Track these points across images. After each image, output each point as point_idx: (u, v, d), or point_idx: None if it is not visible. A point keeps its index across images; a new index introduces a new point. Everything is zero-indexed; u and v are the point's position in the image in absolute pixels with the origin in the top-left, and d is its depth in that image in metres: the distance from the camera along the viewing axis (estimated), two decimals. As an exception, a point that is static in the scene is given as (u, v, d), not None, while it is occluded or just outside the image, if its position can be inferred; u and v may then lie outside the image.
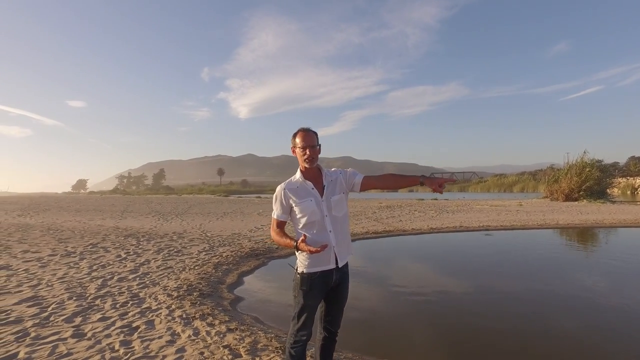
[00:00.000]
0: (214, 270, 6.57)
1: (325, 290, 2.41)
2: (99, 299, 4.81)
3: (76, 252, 8.08)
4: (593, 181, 28.06)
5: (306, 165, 2.38)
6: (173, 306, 4.57)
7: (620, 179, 55.77)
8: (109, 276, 6.01)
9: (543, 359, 3.52)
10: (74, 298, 4.84)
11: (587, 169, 28.35)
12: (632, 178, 61.02)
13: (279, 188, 2.44)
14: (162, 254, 7.97)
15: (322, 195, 2.40)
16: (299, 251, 2.31)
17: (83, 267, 6.61)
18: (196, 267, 6.72)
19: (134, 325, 3.95)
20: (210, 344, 3.51)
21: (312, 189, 2.40)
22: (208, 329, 3.88)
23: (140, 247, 8.81)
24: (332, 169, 2.53)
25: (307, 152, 2.35)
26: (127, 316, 4.21)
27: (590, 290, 5.79)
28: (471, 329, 4.25)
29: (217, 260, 7.33)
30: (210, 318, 4.21)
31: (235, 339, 3.63)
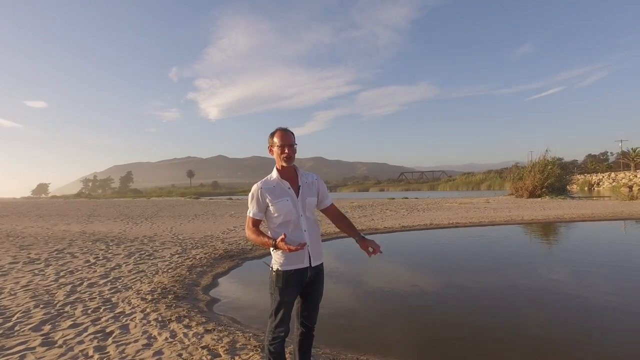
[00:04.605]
0: (188, 273, 6.49)
1: (301, 286, 2.46)
2: (69, 306, 4.67)
3: (40, 258, 7.78)
4: (554, 178, 29.41)
5: (284, 164, 2.43)
6: (148, 310, 4.50)
7: (578, 176, 58.74)
8: (78, 282, 5.83)
9: (512, 352, 3.71)
10: (41, 306, 4.67)
11: (549, 167, 29.69)
12: (589, 175, 64.50)
13: (255, 187, 2.47)
14: (133, 258, 7.79)
15: (297, 195, 2.45)
16: (277, 250, 2.36)
17: (49, 274, 6.38)
18: (169, 270, 6.62)
19: (108, 330, 3.87)
20: (188, 345, 3.50)
21: (289, 188, 2.45)
22: (185, 330, 3.85)
23: (109, 251, 8.57)
24: (307, 172, 2.60)
25: (286, 151, 2.40)
26: (99, 321, 4.12)
27: (556, 284, 6.10)
28: (444, 324, 4.41)
29: (190, 263, 7.24)
30: (187, 320, 4.18)
31: (214, 339, 3.62)
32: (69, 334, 3.77)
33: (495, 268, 7.14)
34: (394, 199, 32.98)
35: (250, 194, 2.47)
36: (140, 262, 7.38)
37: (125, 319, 4.22)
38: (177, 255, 8.00)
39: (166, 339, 3.64)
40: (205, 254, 8.18)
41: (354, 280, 6.39)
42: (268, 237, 2.38)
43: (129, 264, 7.14)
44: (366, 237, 2.50)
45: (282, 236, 2.27)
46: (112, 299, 4.99)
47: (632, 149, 64.55)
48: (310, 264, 2.44)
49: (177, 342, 3.57)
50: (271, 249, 2.40)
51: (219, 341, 3.58)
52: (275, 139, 2.43)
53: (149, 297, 5.01)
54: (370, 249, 2.46)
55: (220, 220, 16.68)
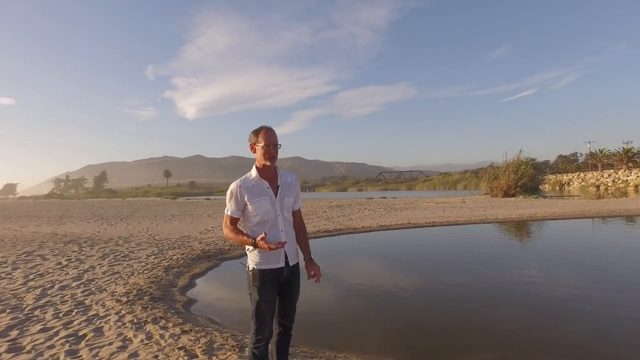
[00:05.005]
0: (164, 274, 6.37)
1: (278, 284, 2.44)
2: (39, 310, 4.51)
3: (7, 261, 7.48)
4: (527, 178, 30.26)
5: (267, 163, 2.41)
6: (123, 312, 4.40)
7: (550, 176, 60.71)
8: (49, 285, 5.64)
9: (489, 347, 3.80)
10: (8, 311, 4.49)
11: (523, 167, 30.53)
12: (560, 175, 66.77)
13: (234, 185, 2.43)
14: (107, 259, 7.59)
15: (276, 195, 2.44)
16: (255, 248, 2.34)
17: (17, 277, 6.14)
18: (145, 271, 6.48)
19: (81, 333, 3.77)
20: (165, 346, 3.44)
21: (268, 188, 2.42)
22: (161, 332, 3.79)
23: (82, 253, 8.33)
24: (287, 172, 2.58)
25: (271, 150, 2.39)
26: (72, 325, 4.00)
27: (530, 282, 6.29)
28: (421, 322, 4.49)
29: (167, 264, 7.11)
30: (163, 321, 4.11)
31: (191, 340, 3.58)
32: (38, 339, 3.64)
33: (472, 266, 7.29)
34: (372, 198, 33.23)
35: (228, 192, 2.43)
36: (115, 263, 7.20)
37: (99, 321, 4.11)
38: (153, 256, 7.84)
39: (142, 340, 3.57)
40: (182, 254, 8.05)
41: (332, 280, 6.41)
42: (247, 236, 2.35)
43: (103, 266, 6.95)
44: (314, 260, 2.54)
45: (263, 235, 2.25)
46: (86, 301, 4.85)
47: (599, 150, 67.14)
48: (286, 263, 2.44)
49: (153, 343, 3.51)
50: (248, 248, 2.38)
51: (196, 342, 3.53)
52: (260, 138, 2.40)
53: (124, 299, 4.90)
54: (312, 273, 2.52)
55: (197, 220, 16.44)
